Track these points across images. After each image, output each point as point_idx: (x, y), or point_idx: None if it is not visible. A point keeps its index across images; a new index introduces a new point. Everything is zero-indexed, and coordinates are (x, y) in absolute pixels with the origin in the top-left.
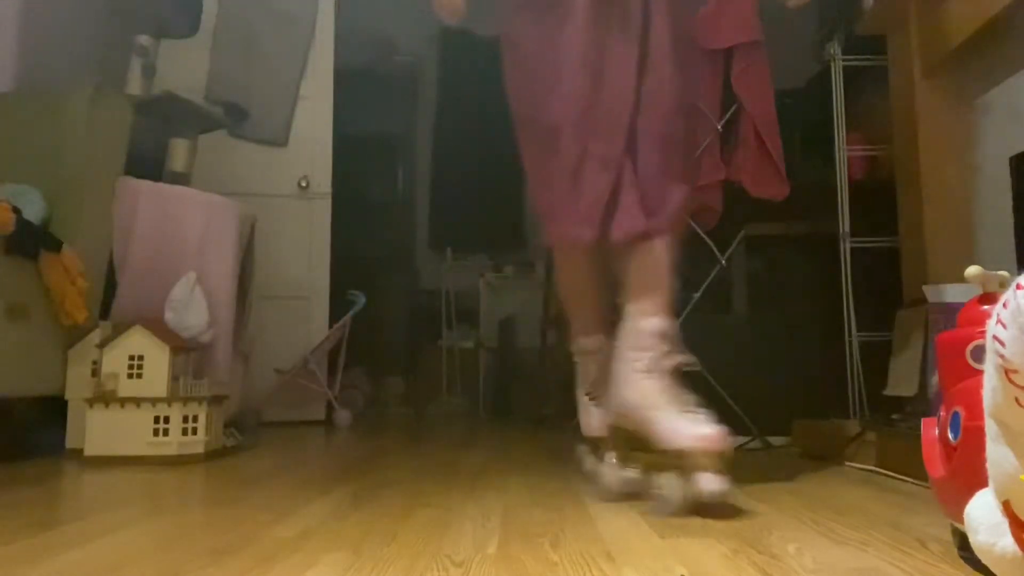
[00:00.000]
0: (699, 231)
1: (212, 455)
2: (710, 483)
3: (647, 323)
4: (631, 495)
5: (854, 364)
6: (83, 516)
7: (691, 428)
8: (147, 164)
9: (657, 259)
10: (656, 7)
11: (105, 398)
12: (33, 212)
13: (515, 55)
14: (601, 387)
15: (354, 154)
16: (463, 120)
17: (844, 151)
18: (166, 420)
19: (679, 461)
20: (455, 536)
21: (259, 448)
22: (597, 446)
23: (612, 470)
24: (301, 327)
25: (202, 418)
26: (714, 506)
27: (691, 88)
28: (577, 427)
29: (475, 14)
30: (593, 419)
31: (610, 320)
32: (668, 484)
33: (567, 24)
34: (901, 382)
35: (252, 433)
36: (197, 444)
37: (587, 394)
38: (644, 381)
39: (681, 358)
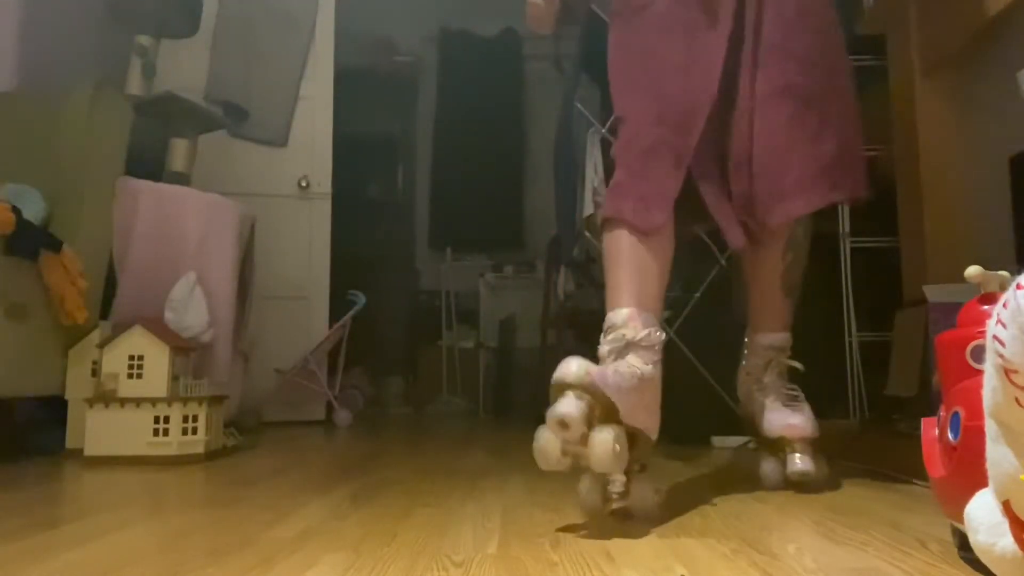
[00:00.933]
0: (699, 231)
1: (212, 455)
2: (801, 464)
3: (760, 337)
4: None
5: (854, 364)
6: (83, 516)
7: (784, 418)
8: (147, 164)
9: (767, 273)
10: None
11: (105, 398)
12: (33, 212)
13: (614, 56)
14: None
15: (354, 154)
16: (463, 120)
17: None
18: (166, 420)
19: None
20: (455, 536)
21: (259, 448)
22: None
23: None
24: (301, 327)
25: (202, 418)
26: (804, 483)
27: (826, 73)
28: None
29: (475, 14)
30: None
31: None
32: (767, 465)
33: (659, 20)
34: (901, 382)
35: (252, 433)
36: (197, 444)
37: None
38: (751, 381)
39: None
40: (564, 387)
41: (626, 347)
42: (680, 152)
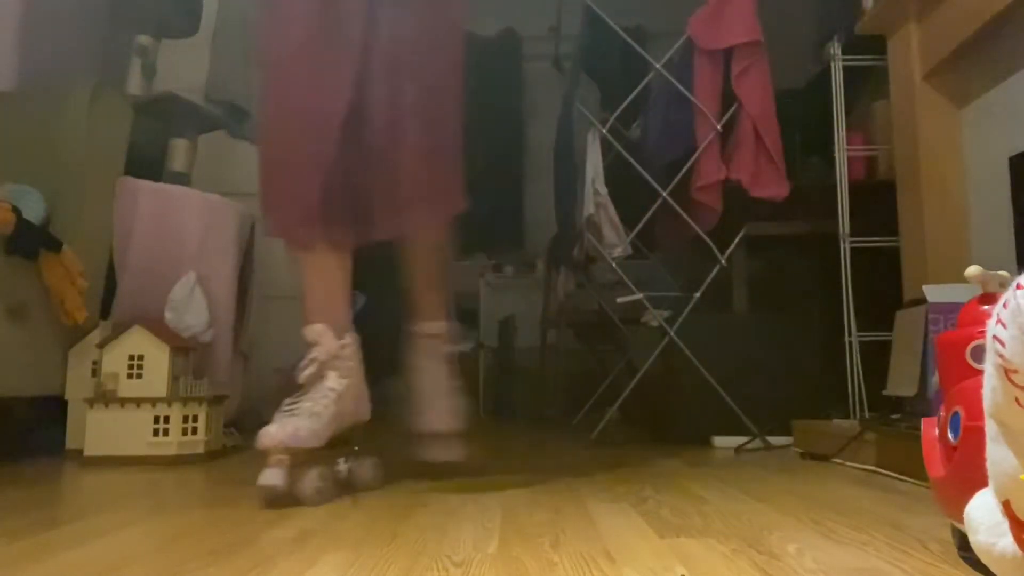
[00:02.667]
0: (699, 231)
1: (212, 455)
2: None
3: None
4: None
5: (854, 364)
6: (83, 516)
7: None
8: (147, 164)
9: (421, 266)
10: (388, 10)
11: (105, 398)
12: (33, 212)
13: (259, 44)
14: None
15: None
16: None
17: (844, 151)
18: (166, 420)
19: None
20: (455, 536)
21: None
22: None
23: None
24: (301, 327)
25: (202, 418)
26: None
27: (440, 94)
28: (579, 425)
29: (475, 14)
30: None
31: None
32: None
33: (293, 17)
34: (901, 382)
35: (252, 433)
36: (197, 444)
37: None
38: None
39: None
40: (267, 453)
41: (322, 367)
42: (321, 161)
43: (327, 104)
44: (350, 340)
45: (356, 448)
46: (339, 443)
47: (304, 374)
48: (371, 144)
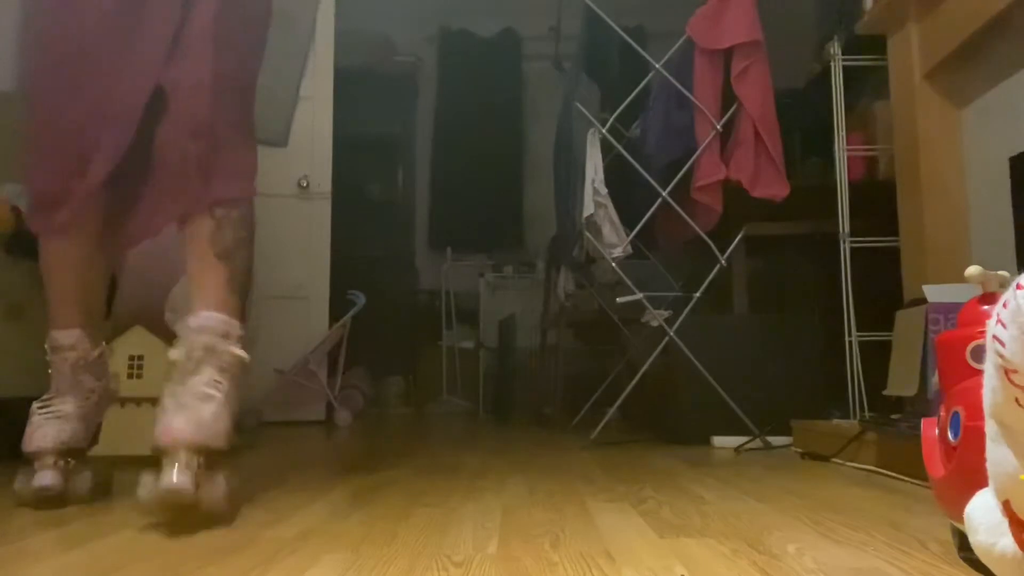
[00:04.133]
0: (699, 231)
1: None
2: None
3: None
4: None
5: (854, 364)
6: (84, 516)
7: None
8: None
9: (197, 248)
10: None
11: None
12: None
13: (28, 22)
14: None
15: (354, 154)
16: (463, 120)
17: (844, 151)
18: None
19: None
20: (455, 536)
21: (259, 448)
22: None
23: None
24: (301, 327)
25: None
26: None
27: (244, 73)
28: (579, 425)
29: (475, 14)
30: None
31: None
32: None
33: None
34: (901, 382)
35: (252, 433)
36: None
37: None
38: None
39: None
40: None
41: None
42: (110, 151)
43: (133, 77)
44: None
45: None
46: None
47: (55, 375)
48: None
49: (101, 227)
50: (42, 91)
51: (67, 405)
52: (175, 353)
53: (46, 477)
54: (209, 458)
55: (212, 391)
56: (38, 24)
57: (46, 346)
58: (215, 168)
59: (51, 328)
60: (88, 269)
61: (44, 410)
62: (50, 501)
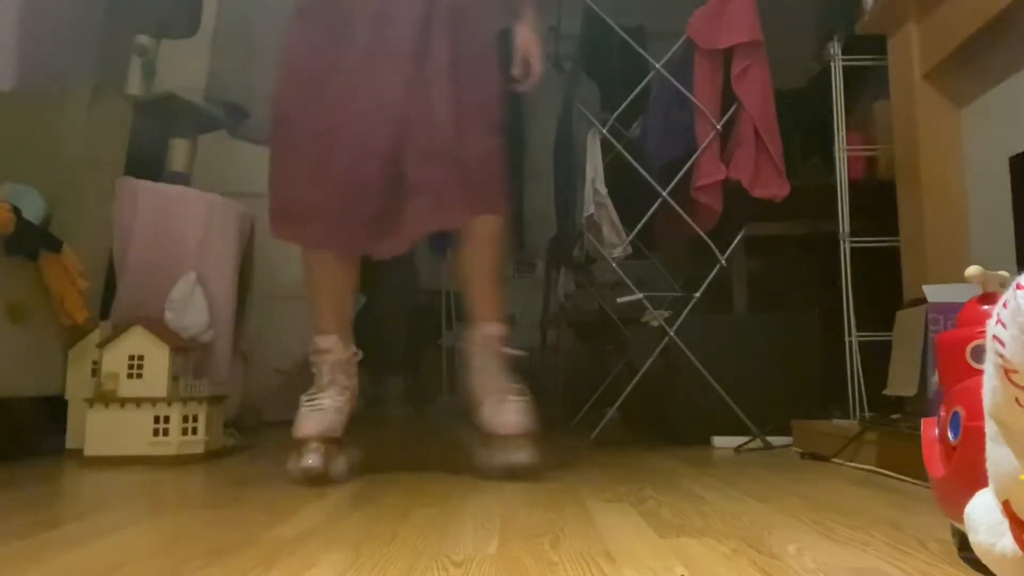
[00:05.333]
0: (699, 231)
1: (212, 455)
2: (519, 456)
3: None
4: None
5: (854, 364)
6: (83, 516)
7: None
8: (147, 164)
9: (475, 268)
10: (438, 30)
11: (105, 398)
12: (33, 212)
13: (291, 52)
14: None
15: None
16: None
17: (844, 151)
18: (166, 420)
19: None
20: (455, 536)
21: (259, 448)
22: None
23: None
24: (301, 327)
25: (202, 418)
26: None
27: (484, 110)
28: (579, 425)
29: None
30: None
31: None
32: (485, 456)
33: (344, 37)
34: (901, 382)
35: (252, 433)
36: (197, 444)
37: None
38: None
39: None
40: (305, 442)
41: (331, 370)
42: (367, 179)
43: (385, 120)
44: (353, 352)
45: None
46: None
47: (317, 373)
48: (412, 156)
49: (355, 242)
50: (292, 112)
51: (327, 399)
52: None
53: (312, 459)
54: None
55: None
56: (295, 53)
57: (309, 348)
58: (459, 195)
59: (314, 334)
60: (344, 281)
61: (309, 403)
62: (315, 480)
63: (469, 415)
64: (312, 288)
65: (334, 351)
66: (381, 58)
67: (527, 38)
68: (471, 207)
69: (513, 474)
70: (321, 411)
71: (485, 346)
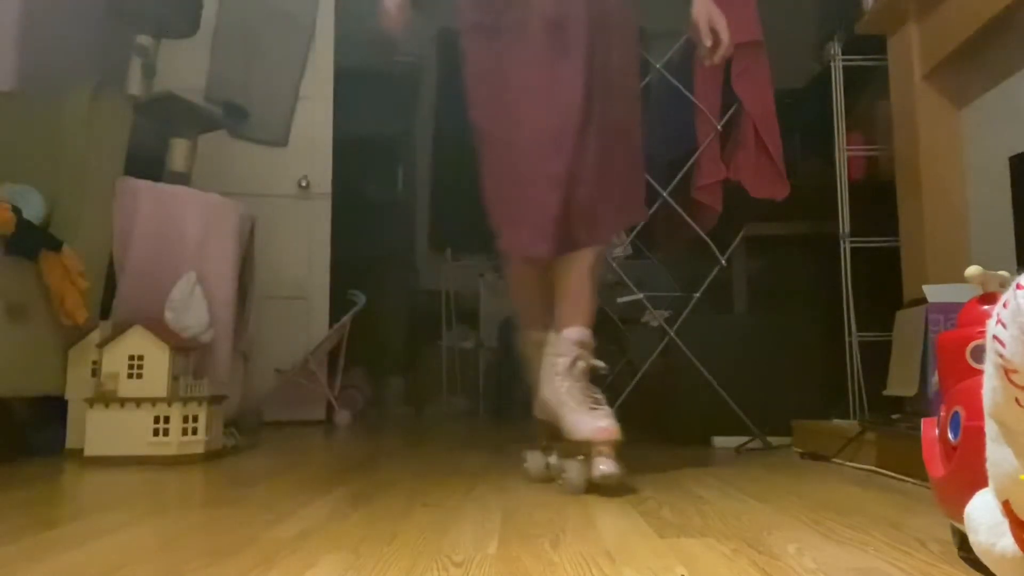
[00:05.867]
0: (699, 231)
1: (212, 455)
2: (605, 466)
3: (569, 331)
4: (548, 478)
5: (854, 364)
6: (83, 516)
7: (592, 421)
8: (147, 164)
9: (581, 272)
10: (599, 38)
11: (105, 398)
12: (33, 212)
13: (472, 69)
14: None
15: (354, 154)
16: (463, 120)
17: (844, 151)
18: (166, 420)
19: (582, 449)
20: (455, 536)
21: (259, 448)
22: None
23: (535, 457)
24: (301, 327)
25: (202, 418)
26: (608, 486)
27: (630, 117)
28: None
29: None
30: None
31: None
32: (572, 467)
33: (517, 47)
34: (901, 382)
35: (252, 433)
36: (197, 444)
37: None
38: (559, 381)
39: (595, 363)
40: (597, 445)
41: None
42: (555, 180)
43: (563, 124)
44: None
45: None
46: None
47: (580, 373)
48: (585, 160)
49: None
50: (495, 131)
51: (602, 402)
52: (564, 362)
53: (606, 465)
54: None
55: (598, 395)
56: (478, 69)
57: (522, 343)
58: (598, 211)
59: (526, 328)
60: (545, 278)
61: (590, 405)
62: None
63: (537, 421)
64: (518, 289)
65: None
66: (554, 64)
67: (707, 6)
68: (627, 213)
69: (599, 487)
70: (602, 412)
71: (568, 353)
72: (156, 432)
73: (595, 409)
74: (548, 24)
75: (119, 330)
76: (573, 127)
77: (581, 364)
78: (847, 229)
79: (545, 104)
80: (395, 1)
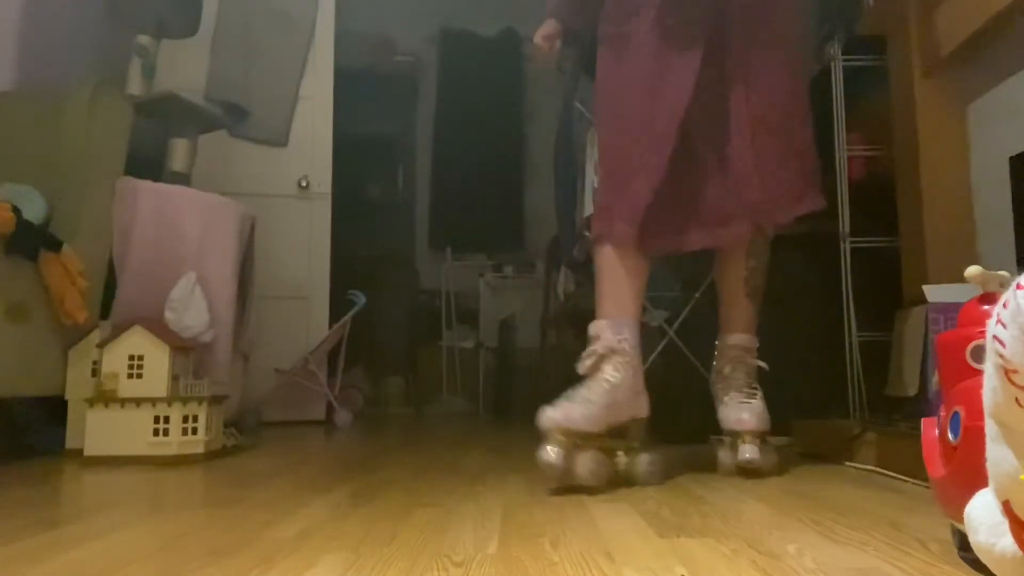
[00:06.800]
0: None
1: (212, 455)
2: (752, 453)
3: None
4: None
5: (854, 364)
6: (83, 516)
7: (738, 413)
8: (147, 164)
9: (730, 280)
10: (737, 39)
11: (105, 398)
12: (33, 212)
13: (599, 78)
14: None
15: (354, 154)
16: (463, 120)
17: (844, 151)
18: (166, 420)
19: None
20: (455, 536)
21: (259, 448)
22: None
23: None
24: (301, 327)
25: (202, 418)
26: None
27: (780, 111)
28: None
29: (475, 14)
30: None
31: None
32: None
33: (636, 52)
34: (901, 382)
35: (252, 433)
36: (197, 444)
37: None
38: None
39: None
40: (545, 433)
41: (600, 360)
42: (651, 171)
43: (664, 113)
44: (629, 337)
45: (635, 444)
46: (618, 436)
47: (584, 364)
48: (702, 154)
49: (647, 237)
50: (606, 128)
51: (582, 390)
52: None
53: (546, 453)
54: (763, 437)
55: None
56: (603, 80)
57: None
58: (726, 207)
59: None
60: (639, 270)
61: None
62: (553, 476)
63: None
64: (601, 277)
65: (601, 337)
66: (667, 65)
67: None
68: (786, 205)
69: (744, 472)
70: (568, 401)
71: (735, 358)
72: (156, 432)
73: (744, 403)
74: (664, 29)
75: (119, 330)
76: (676, 121)
77: (742, 366)
78: (847, 229)
79: (650, 99)
80: (545, 33)
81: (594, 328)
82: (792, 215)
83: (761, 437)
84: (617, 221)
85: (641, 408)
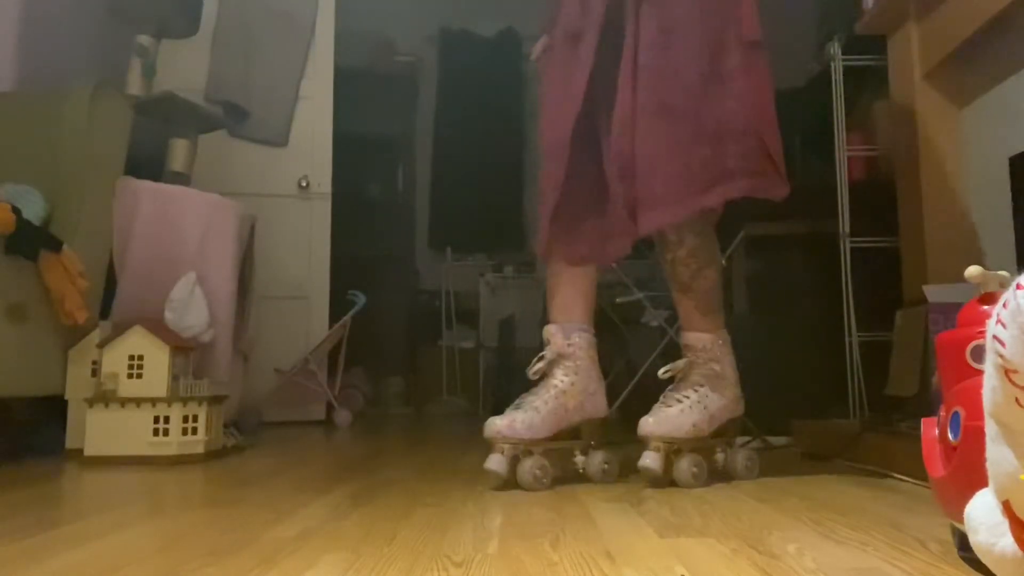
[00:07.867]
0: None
1: (212, 455)
2: (649, 459)
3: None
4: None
5: (854, 364)
6: (83, 516)
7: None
8: (147, 164)
9: (665, 269)
10: (648, 43)
11: (105, 398)
12: (33, 212)
13: (540, 88)
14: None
15: (354, 154)
16: (463, 120)
17: (844, 151)
18: (166, 420)
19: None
20: (455, 536)
21: (259, 448)
22: None
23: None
24: (301, 327)
25: (202, 418)
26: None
27: (701, 87)
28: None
29: (475, 14)
30: None
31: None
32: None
33: (550, 68)
34: (901, 382)
35: (252, 433)
36: (197, 444)
37: None
38: None
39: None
40: (491, 442)
41: (550, 365)
42: (554, 181)
43: (560, 119)
44: (578, 340)
45: (591, 444)
46: (570, 437)
47: (533, 370)
48: (622, 145)
49: (574, 249)
50: (549, 144)
51: (529, 397)
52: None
53: (491, 461)
54: (730, 441)
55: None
56: (545, 83)
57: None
58: (640, 202)
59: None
60: (574, 280)
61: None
62: (498, 484)
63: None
64: (549, 289)
65: (552, 341)
66: (569, 75)
67: None
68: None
69: (657, 481)
70: (516, 410)
71: (689, 358)
72: (156, 432)
73: (659, 408)
74: (569, 37)
75: (119, 330)
76: (569, 128)
77: (697, 367)
78: (847, 229)
79: (555, 110)
80: (543, 47)
81: (545, 332)
82: (695, 208)
83: (676, 444)
84: (540, 232)
85: (596, 408)
